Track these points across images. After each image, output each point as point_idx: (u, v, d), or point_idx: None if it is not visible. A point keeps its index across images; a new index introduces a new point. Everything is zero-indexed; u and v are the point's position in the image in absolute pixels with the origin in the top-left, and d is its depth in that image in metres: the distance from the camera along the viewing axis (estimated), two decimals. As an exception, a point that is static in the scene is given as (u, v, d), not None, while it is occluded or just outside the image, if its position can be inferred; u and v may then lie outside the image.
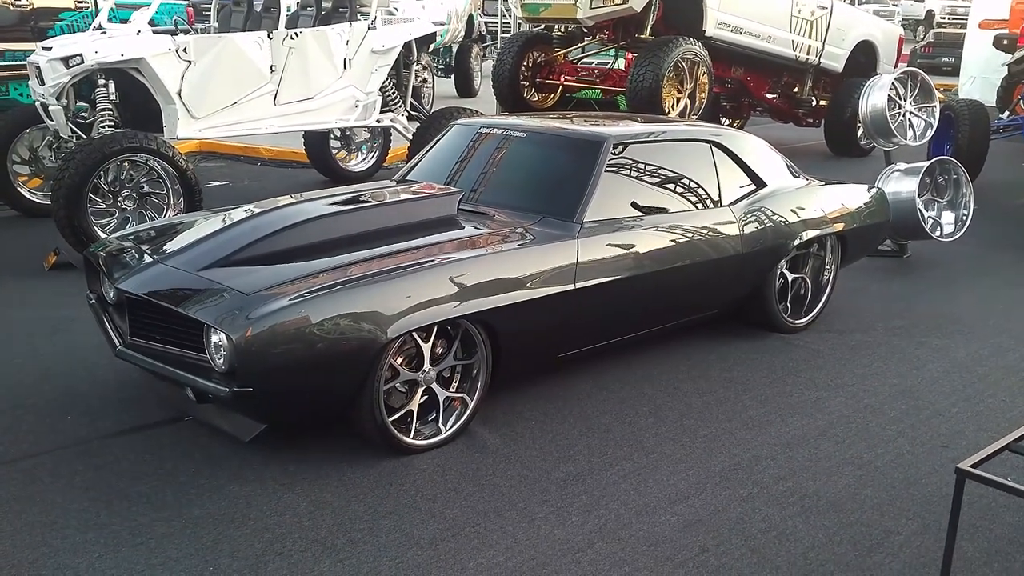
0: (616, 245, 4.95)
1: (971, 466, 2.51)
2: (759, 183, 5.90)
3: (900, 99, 8.25)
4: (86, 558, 3.44)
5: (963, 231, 7.98)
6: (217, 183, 10.76)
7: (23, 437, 4.37)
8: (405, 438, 4.24)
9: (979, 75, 16.83)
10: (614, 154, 5.21)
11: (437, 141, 6.03)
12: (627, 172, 5.31)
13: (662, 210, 5.30)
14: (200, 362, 4.02)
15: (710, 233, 5.43)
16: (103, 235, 7.09)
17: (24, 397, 4.82)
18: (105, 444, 4.32)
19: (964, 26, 22.18)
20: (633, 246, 5.02)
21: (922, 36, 31.85)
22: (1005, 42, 14.08)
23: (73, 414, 4.62)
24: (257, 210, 4.92)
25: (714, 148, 5.74)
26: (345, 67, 8.95)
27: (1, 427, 4.48)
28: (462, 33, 18.81)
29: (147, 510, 3.76)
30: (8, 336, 5.73)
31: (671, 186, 5.47)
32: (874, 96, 8.07)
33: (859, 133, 12.89)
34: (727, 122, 13.90)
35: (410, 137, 9.47)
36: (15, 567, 3.38)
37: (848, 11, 13.43)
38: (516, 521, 3.76)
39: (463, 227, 4.86)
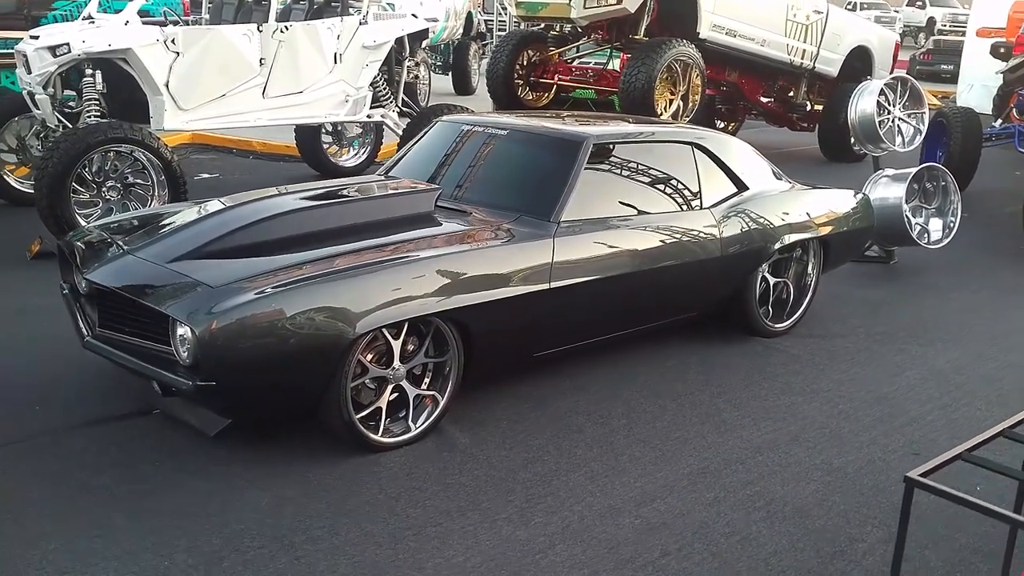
0: (593, 245, 4.93)
1: (922, 474, 2.48)
2: (741, 186, 5.87)
3: (889, 105, 8.23)
4: (41, 550, 3.41)
5: (950, 238, 7.96)
6: (208, 175, 10.73)
7: (-9, 426, 4.36)
8: (373, 436, 4.21)
9: (977, 83, 16.80)
10: (594, 154, 5.18)
11: (420, 138, 6.00)
12: (607, 172, 5.29)
13: (641, 211, 5.28)
14: (166, 355, 3.99)
15: (689, 235, 5.41)
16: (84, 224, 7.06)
17: (-5, 385, 4.81)
18: (72, 435, 4.30)
19: (965, 34, 22.15)
20: (610, 246, 5.00)
21: (922, 43, 31.82)
22: (1002, 50, 14.03)
23: (43, 404, 4.59)
24: (230, 203, 4.90)
25: (696, 150, 5.71)
26: (336, 62, 8.91)
27: (-30, 416, 4.47)
28: (460, 30, 18.79)
29: (107, 502, 3.74)
30: (-16, 324, 5.71)
31: (651, 187, 5.45)
32: (863, 101, 8.05)
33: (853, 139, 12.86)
34: (722, 125, 13.87)
35: (400, 133, 9.43)
36: (-31, 557, 3.36)
37: (844, 16, 13.39)
38: (478, 521, 3.73)
39: (439, 224, 4.83)
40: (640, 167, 5.43)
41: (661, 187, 5.49)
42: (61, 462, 4.05)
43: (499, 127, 5.55)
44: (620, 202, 5.22)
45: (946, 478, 2.67)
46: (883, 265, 8.11)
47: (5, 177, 8.91)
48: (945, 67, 25.25)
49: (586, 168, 5.10)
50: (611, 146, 5.33)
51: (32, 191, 8.58)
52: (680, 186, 5.57)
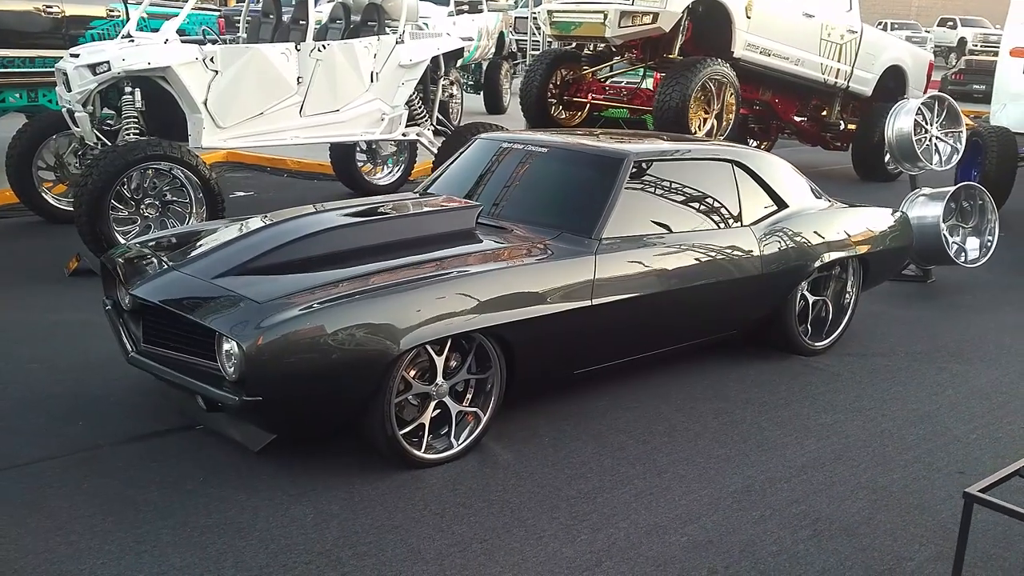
0: (634, 262, 4.92)
1: (980, 491, 2.46)
2: (781, 204, 5.85)
3: (926, 124, 8.19)
4: (88, 565, 3.42)
5: (987, 257, 7.90)
6: (243, 193, 10.78)
7: (34, 441, 4.37)
8: (416, 451, 4.21)
9: (1010, 102, 16.66)
10: (634, 171, 5.18)
11: (459, 155, 6.01)
12: (647, 189, 5.28)
13: (681, 228, 5.27)
14: (211, 370, 4.01)
15: (730, 252, 5.39)
16: (124, 242, 7.11)
17: (37, 401, 4.82)
18: (115, 451, 4.32)
19: (996, 54, 22.04)
20: (652, 264, 4.99)
21: (954, 64, 31.68)
22: (1035, 70, 13.94)
23: (85, 420, 4.62)
24: (273, 219, 4.92)
25: (736, 167, 5.70)
26: (372, 80, 8.96)
27: (12, 430, 4.48)
28: (492, 50, 18.86)
29: (153, 518, 3.74)
30: (26, 339, 5.75)
31: (691, 204, 5.44)
32: (900, 120, 8.01)
33: (887, 158, 12.80)
34: (755, 144, 13.84)
35: (435, 152, 9.47)
36: (17, 572, 3.36)
37: (878, 35, 13.36)
38: (524, 538, 3.72)
39: (480, 241, 4.83)
40: (680, 184, 5.42)
41: (701, 204, 5.48)
42: (104, 477, 4.06)
43: (539, 144, 5.56)
44: (661, 219, 5.21)
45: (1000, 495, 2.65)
46: (920, 284, 8.05)
47: (43, 195, 8.99)
48: (977, 87, 25.11)
49: (627, 185, 5.10)
50: (651, 163, 5.32)
51: (69, 208, 8.67)
52: (720, 204, 5.56)
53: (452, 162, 6.01)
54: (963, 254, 7.88)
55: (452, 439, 4.35)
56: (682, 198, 5.41)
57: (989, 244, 7.95)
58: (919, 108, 8.08)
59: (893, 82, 13.40)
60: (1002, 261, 8.33)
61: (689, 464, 4.44)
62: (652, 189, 5.30)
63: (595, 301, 4.67)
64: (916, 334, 6.65)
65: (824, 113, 13.27)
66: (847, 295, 6.27)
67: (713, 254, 5.31)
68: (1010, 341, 6.57)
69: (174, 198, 7.73)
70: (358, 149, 10.69)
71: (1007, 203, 10.74)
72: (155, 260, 4.66)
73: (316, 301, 3.93)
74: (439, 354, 4.22)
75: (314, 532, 3.69)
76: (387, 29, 9.40)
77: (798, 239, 5.74)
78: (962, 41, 37.23)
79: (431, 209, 5.15)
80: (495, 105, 18.47)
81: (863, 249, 6.18)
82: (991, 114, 17.37)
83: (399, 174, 11.03)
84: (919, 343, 6.44)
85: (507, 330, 4.35)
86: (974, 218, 8.08)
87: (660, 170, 5.36)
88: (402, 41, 9.13)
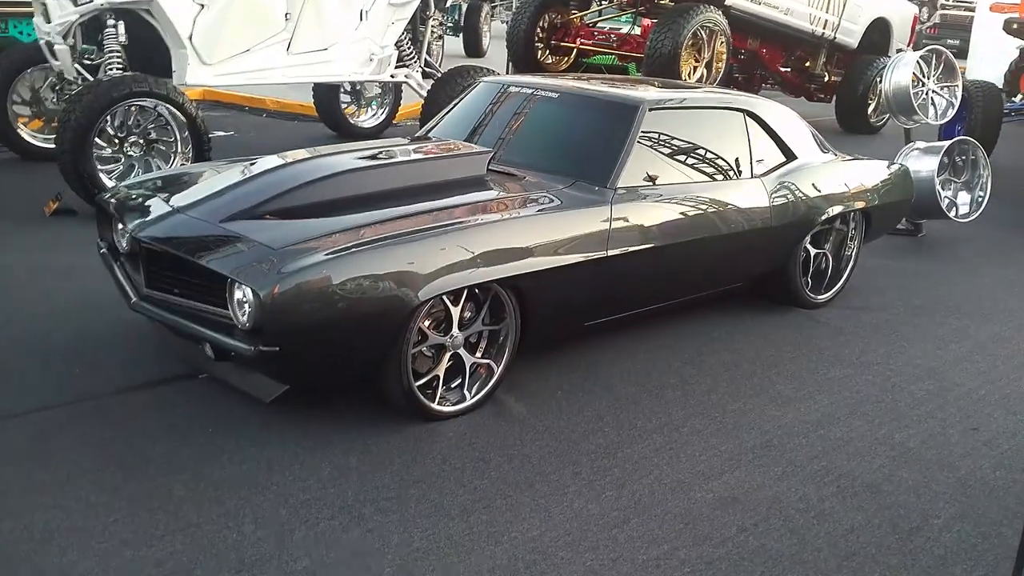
0: (649, 212, 4.79)
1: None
2: (789, 155, 5.75)
3: (923, 77, 8.11)
4: (102, 520, 3.28)
5: (979, 212, 7.89)
6: (222, 133, 10.50)
7: (31, 390, 4.20)
8: (431, 404, 4.09)
9: (988, 58, 16.68)
10: (648, 119, 5.04)
11: (462, 98, 5.84)
12: (661, 138, 5.15)
13: (694, 178, 5.15)
14: (222, 318, 3.85)
15: (742, 204, 5.29)
16: (108, 181, 6.90)
17: (30, 347, 4.65)
18: (116, 400, 4.16)
19: (968, 9, 22.04)
20: (666, 214, 4.88)
21: (927, 18, 31.60)
22: (1015, 26, 13.92)
23: (81, 367, 4.45)
24: (281, 161, 4.73)
25: (747, 117, 5.58)
26: (361, 19, 8.71)
27: (8, 379, 4.31)
28: (472, -8, 18.56)
29: (164, 471, 3.60)
30: (11, 282, 5.56)
31: (704, 154, 5.31)
32: (898, 73, 7.93)
33: (870, 110, 12.75)
34: (737, 93, 13.73)
35: (424, 94, 9.25)
36: (27, 527, 3.22)
37: (864, -14, 13.25)
38: (548, 494, 3.63)
39: (493, 188, 4.70)
40: (693, 134, 5.29)
41: (714, 155, 5.35)
42: (108, 428, 3.91)
43: (549, 89, 5.39)
44: (674, 169, 5.08)
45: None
46: (912, 238, 8.03)
47: (19, 131, 8.71)
48: (951, 42, 25.05)
49: (641, 134, 4.97)
50: (665, 111, 5.18)
51: (46, 145, 8.45)
52: (732, 154, 5.44)
53: (455, 106, 5.84)
54: (955, 208, 7.86)
55: (465, 391, 4.24)
56: (695, 148, 5.28)
57: (980, 199, 7.94)
58: (916, 61, 8.00)
59: (878, 35, 13.30)
60: (991, 216, 8.31)
61: (705, 418, 4.37)
62: (666, 138, 5.17)
63: (610, 252, 4.56)
64: (913, 288, 6.63)
65: (808, 64, 13.16)
66: (847, 248, 6.21)
67: (726, 205, 5.20)
68: (1005, 296, 6.57)
69: (159, 137, 7.48)
70: (342, 90, 10.44)
71: (990, 158, 10.72)
72: (156, 202, 4.47)
73: (333, 249, 3.76)
74: (455, 304, 4.09)
75: (332, 487, 3.58)
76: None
77: (806, 191, 5.64)
78: (935, -5, 37.11)
79: (443, 154, 4.98)
80: (475, 48, 18.17)
81: (867, 202, 6.12)
82: (967, 69, 17.41)
83: (383, 117, 10.81)
84: (917, 297, 6.41)
85: (523, 280, 4.22)
86: (966, 173, 8.05)
87: (673, 119, 5.21)
88: (391, -23, 8.89)
